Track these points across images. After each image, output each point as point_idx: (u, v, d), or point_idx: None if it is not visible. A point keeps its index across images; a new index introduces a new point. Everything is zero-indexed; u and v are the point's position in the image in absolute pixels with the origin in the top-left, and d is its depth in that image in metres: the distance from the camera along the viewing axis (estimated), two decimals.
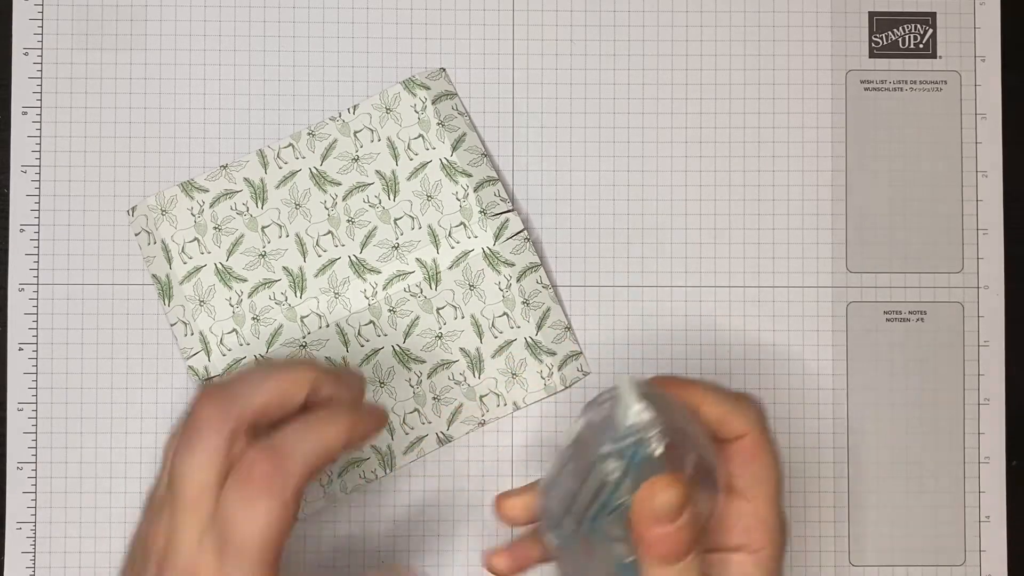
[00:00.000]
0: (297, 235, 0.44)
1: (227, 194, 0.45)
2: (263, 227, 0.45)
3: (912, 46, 0.46)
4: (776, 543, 0.36)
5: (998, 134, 0.46)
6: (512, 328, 0.44)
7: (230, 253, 0.44)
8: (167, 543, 0.33)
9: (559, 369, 0.45)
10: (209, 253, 0.44)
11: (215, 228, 0.44)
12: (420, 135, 0.45)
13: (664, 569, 0.34)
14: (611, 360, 0.45)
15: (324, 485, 0.44)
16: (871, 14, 0.46)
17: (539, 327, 0.45)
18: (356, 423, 0.35)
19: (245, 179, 0.45)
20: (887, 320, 0.46)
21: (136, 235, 0.45)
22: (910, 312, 0.46)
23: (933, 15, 0.46)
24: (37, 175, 0.45)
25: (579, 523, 0.34)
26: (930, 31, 0.46)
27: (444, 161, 0.45)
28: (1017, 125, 0.46)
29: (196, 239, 0.44)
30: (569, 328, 0.45)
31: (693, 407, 0.36)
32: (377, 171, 0.45)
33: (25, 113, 0.45)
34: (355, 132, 0.45)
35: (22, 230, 0.45)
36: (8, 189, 0.45)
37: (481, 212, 0.44)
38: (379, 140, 0.45)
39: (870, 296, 0.46)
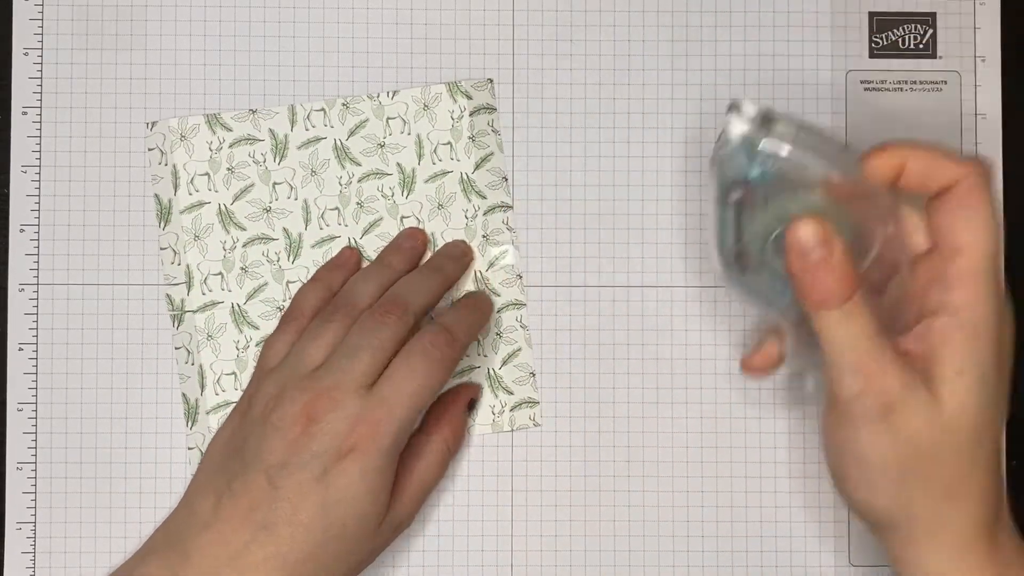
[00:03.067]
0: (305, 201, 0.45)
1: (248, 139, 0.45)
2: (275, 183, 0.45)
3: (912, 46, 0.46)
4: (988, 300, 0.33)
5: (998, 134, 0.46)
6: (479, 356, 0.45)
7: (236, 198, 0.44)
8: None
9: (511, 410, 0.45)
10: (216, 192, 0.44)
11: (228, 169, 0.44)
12: (449, 143, 0.45)
13: (825, 315, 0.34)
14: (611, 360, 0.45)
15: None
16: (871, 14, 0.46)
17: (504, 362, 0.45)
18: (487, 308, 0.44)
19: (270, 130, 0.45)
20: None
21: (149, 150, 0.44)
22: None
23: (933, 15, 0.46)
24: (37, 175, 0.45)
25: (751, 263, 0.36)
26: (930, 31, 0.46)
27: (464, 176, 0.45)
28: (1017, 125, 0.46)
29: (207, 174, 0.44)
30: (534, 375, 0.45)
31: (898, 165, 0.35)
32: (398, 164, 0.45)
33: (25, 113, 0.45)
34: (388, 118, 0.45)
35: (22, 230, 0.45)
36: (8, 189, 0.45)
37: (484, 237, 0.45)
38: (409, 134, 0.45)
39: None
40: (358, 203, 0.45)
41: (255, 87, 0.45)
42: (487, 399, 0.45)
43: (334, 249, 0.44)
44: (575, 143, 0.46)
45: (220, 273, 0.44)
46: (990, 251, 0.34)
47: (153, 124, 0.44)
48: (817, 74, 0.46)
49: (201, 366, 0.44)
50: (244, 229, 0.44)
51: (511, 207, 0.45)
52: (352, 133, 0.45)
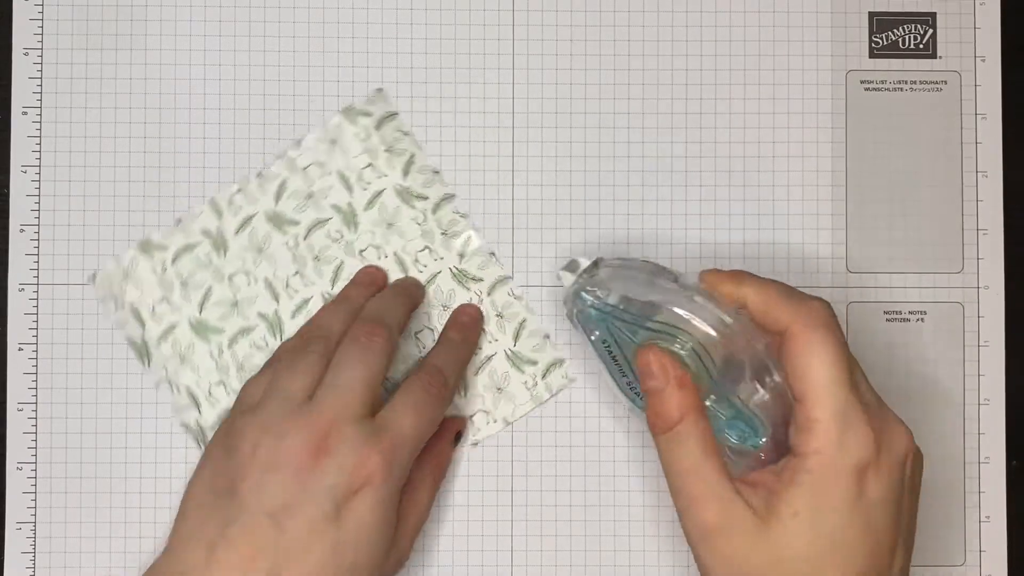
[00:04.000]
0: (266, 279, 0.44)
1: (187, 248, 0.44)
2: (230, 276, 0.44)
3: (912, 46, 0.46)
4: (831, 448, 0.34)
5: (998, 134, 0.46)
6: (490, 343, 0.45)
7: (202, 307, 0.44)
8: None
9: (543, 378, 0.45)
10: (180, 310, 0.44)
11: (182, 284, 0.44)
12: (369, 164, 0.45)
13: (657, 437, 0.36)
14: None
15: None
16: (871, 14, 0.46)
17: (516, 338, 0.45)
18: (472, 338, 0.44)
19: (202, 230, 0.44)
20: (887, 320, 0.46)
21: (100, 302, 0.44)
22: (910, 312, 0.46)
23: (933, 15, 0.46)
24: (37, 175, 0.45)
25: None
26: (930, 31, 0.46)
27: (398, 187, 0.45)
28: (1017, 125, 0.46)
29: (164, 298, 0.44)
30: (547, 336, 0.45)
31: (741, 298, 0.36)
32: (333, 205, 0.45)
33: (25, 113, 0.45)
34: (303, 168, 0.45)
35: (22, 230, 0.45)
36: (8, 189, 0.45)
37: (443, 233, 0.45)
38: (329, 174, 0.45)
39: (870, 296, 0.46)
40: (315, 258, 0.44)
41: (255, 87, 0.45)
42: (516, 379, 0.45)
43: (313, 309, 0.44)
44: (575, 143, 0.46)
45: (221, 381, 0.44)
46: (831, 398, 0.34)
47: (93, 276, 0.44)
48: (817, 74, 0.46)
49: (188, 387, 0.44)
50: (222, 331, 0.44)
51: (454, 195, 0.45)
52: (277, 198, 0.45)
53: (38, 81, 0.45)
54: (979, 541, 0.45)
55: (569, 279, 0.40)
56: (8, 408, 0.44)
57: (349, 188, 0.45)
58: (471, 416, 0.45)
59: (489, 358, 0.44)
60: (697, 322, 0.37)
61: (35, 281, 0.45)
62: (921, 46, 0.46)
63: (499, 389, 0.44)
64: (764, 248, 0.45)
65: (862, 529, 0.34)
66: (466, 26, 0.46)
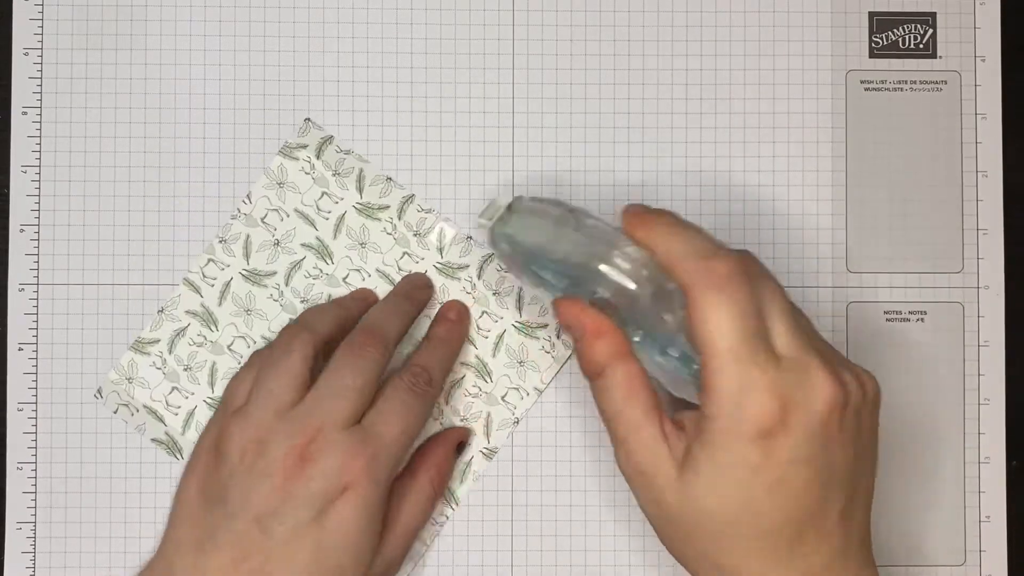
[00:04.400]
0: (263, 336, 0.44)
1: (178, 334, 0.44)
2: (228, 345, 0.44)
3: (912, 46, 0.46)
4: (727, 412, 0.33)
5: (998, 134, 0.46)
6: (496, 321, 0.45)
7: (212, 384, 0.44)
8: (258, 440, 0.37)
9: (559, 337, 0.45)
10: (193, 394, 0.44)
11: (185, 369, 0.44)
12: (323, 192, 0.45)
13: (591, 384, 0.37)
14: None
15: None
16: (871, 14, 0.46)
17: (519, 309, 0.45)
18: (459, 336, 0.44)
19: (187, 312, 0.44)
20: (887, 320, 0.46)
21: (115, 413, 0.44)
22: (910, 312, 0.46)
23: (933, 15, 0.46)
24: (37, 175, 0.45)
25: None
26: (930, 31, 0.46)
27: (357, 206, 0.45)
28: (1017, 125, 0.46)
29: (174, 388, 0.44)
30: (541, 305, 0.45)
31: (650, 248, 0.36)
32: (303, 244, 0.45)
33: (25, 113, 0.45)
34: (261, 219, 0.45)
35: (22, 230, 0.45)
36: (8, 189, 0.45)
37: (415, 235, 0.45)
38: (288, 216, 0.45)
39: (870, 296, 0.46)
40: (302, 301, 0.44)
41: (255, 87, 0.45)
42: (533, 347, 0.44)
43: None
44: (575, 143, 0.46)
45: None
46: (723, 362, 0.33)
47: (99, 391, 0.44)
48: (817, 74, 0.46)
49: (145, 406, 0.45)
50: None
51: (413, 195, 0.45)
52: (247, 256, 0.45)
53: (38, 81, 0.45)
54: (979, 541, 0.45)
55: (485, 226, 0.39)
56: (8, 408, 0.44)
57: (312, 223, 0.45)
58: (503, 397, 0.44)
59: (501, 336, 0.44)
60: (613, 274, 0.36)
61: (35, 281, 0.45)
62: (921, 46, 0.46)
63: (520, 362, 0.45)
64: (764, 248, 0.45)
65: (772, 489, 0.34)
66: (466, 26, 0.46)
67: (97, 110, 0.45)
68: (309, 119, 0.45)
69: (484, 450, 0.45)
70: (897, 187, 0.46)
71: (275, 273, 0.45)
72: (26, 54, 0.45)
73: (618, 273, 0.36)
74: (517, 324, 0.45)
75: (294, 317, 0.44)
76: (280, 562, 0.36)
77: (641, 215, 0.37)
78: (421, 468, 0.42)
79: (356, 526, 0.37)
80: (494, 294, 0.45)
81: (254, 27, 0.45)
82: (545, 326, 0.45)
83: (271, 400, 0.38)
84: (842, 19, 0.46)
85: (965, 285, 0.46)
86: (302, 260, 0.45)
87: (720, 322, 0.33)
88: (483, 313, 0.45)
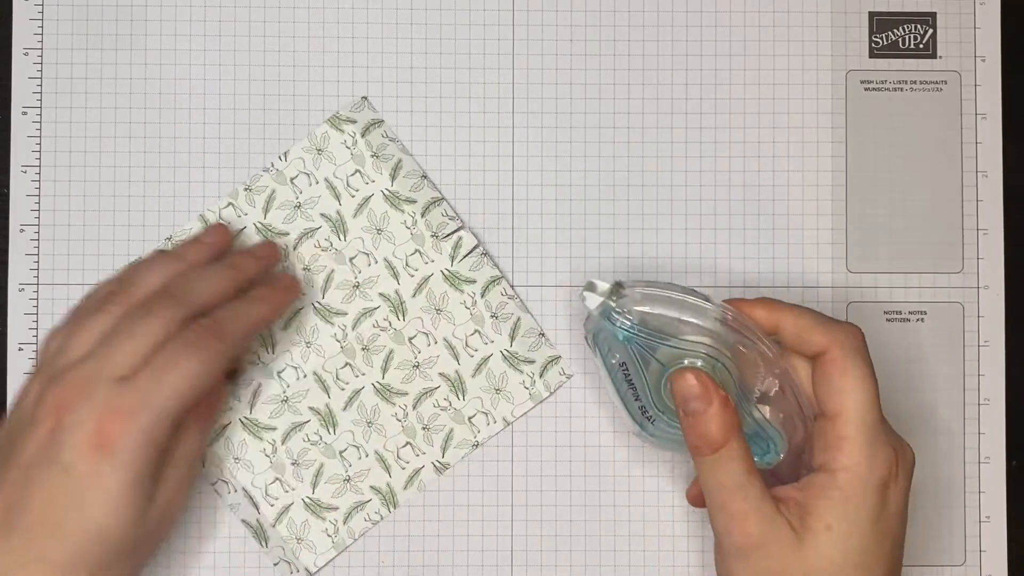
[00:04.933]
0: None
1: (295, 428, 0.45)
2: (339, 452, 0.44)
3: (912, 46, 0.46)
4: (861, 465, 0.36)
5: (998, 134, 0.46)
6: (486, 344, 0.44)
7: (314, 486, 0.44)
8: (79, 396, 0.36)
9: (540, 376, 0.45)
10: (294, 490, 0.44)
11: (293, 464, 0.44)
12: (357, 170, 0.44)
13: (700, 460, 0.37)
14: None
15: (331, 535, 0.44)
16: (871, 14, 0.46)
17: (512, 338, 0.45)
18: (276, 300, 0.42)
19: (309, 408, 0.44)
20: (887, 320, 0.46)
21: (213, 485, 0.44)
22: (910, 312, 0.46)
23: (933, 15, 0.46)
24: (37, 175, 0.45)
25: (654, 414, 0.39)
26: (930, 31, 0.46)
27: (386, 192, 0.44)
28: (1017, 125, 0.46)
29: (278, 479, 0.44)
30: (543, 335, 0.45)
31: (774, 322, 0.38)
32: (322, 214, 0.44)
33: (25, 113, 0.45)
34: (291, 179, 0.45)
35: (22, 230, 0.45)
36: (8, 189, 0.45)
37: (433, 236, 0.44)
38: (317, 183, 0.45)
39: (870, 296, 0.46)
40: (304, 268, 0.44)
41: (255, 87, 0.45)
42: (514, 378, 0.44)
43: (304, 321, 0.44)
44: (575, 143, 0.46)
45: (277, 479, 0.44)
46: (863, 418, 0.36)
47: (203, 461, 0.44)
48: (817, 74, 0.46)
49: (244, 489, 0.44)
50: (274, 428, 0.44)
51: (442, 199, 0.45)
52: (266, 210, 0.45)
53: (38, 81, 0.45)
54: (979, 541, 0.45)
55: (595, 301, 0.38)
56: (8, 408, 0.44)
57: (337, 196, 0.44)
58: (470, 418, 0.44)
59: (486, 359, 0.44)
60: (725, 340, 0.37)
61: (35, 281, 0.45)
62: (921, 46, 0.46)
63: (497, 390, 0.44)
64: (764, 248, 0.45)
65: (884, 539, 0.36)
66: (466, 26, 0.46)
67: (97, 110, 0.45)
68: (366, 98, 0.45)
69: (436, 463, 0.44)
70: (897, 187, 0.46)
71: (287, 234, 0.44)
72: (26, 54, 0.45)
73: (734, 344, 0.37)
74: (506, 352, 0.44)
75: (301, 297, 0.44)
76: (37, 516, 0.35)
77: (755, 300, 0.39)
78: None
79: (113, 485, 0.36)
80: (492, 316, 0.44)
81: (254, 27, 0.45)
82: (532, 362, 0.45)
83: (65, 354, 0.38)
84: (842, 19, 0.46)
85: (965, 285, 0.46)
86: (317, 229, 0.45)
87: (860, 380, 0.37)
88: (476, 331, 0.44)
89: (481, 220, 0.45)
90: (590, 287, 0.38)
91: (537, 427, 0.45)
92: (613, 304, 0.38)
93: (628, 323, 0.38)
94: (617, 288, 0.38)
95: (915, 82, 0.46)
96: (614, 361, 0.38)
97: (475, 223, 0.45)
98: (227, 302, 0.40)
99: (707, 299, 0.38)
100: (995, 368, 0.46)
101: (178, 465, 0.39)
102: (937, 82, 0.46)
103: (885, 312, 0.46)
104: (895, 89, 0.46)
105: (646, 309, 0.38)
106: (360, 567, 0.44)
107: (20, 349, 0.45)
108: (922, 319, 0.46)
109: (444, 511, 0.45)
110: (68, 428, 0.36)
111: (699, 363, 0.37)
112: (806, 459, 0.38)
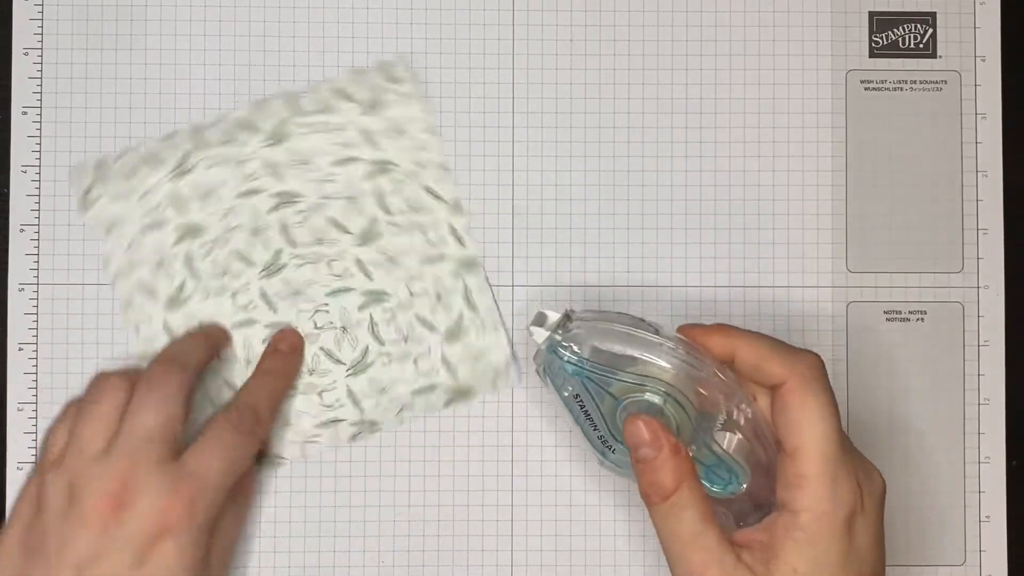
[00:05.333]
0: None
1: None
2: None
3: (912, 46, 0.46)
4: (823, 503, 0.34)
5: (998, 134, 0.46)
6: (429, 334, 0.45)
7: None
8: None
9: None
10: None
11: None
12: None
13: (652, 508, 0.36)
14: None
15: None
16: (871, 14, 0.46)
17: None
18: (291, 369, 0.44)
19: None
20: (887, 320, 0.46)
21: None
22: (910, 312, 0.46)
23: (933, 15, 0.46)
24: (37, 175, 0.45)
25: (614, 443, 0.38)
26: (930, 31, 0.46)
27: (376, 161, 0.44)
28: (1017, 125, 0.46)
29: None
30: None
31: (730, 350, 0.36)
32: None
33: (25, 113, 0.45)
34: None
35: (22, 230, 0.45)
36: (8, 189, 0.45)
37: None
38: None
39: (870, 296, 0.46)
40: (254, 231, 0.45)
41: (255, 87, 0.45)
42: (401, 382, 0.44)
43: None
44: (575, 143, 0.46)
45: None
46: (824, 453, 0.35)
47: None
48: (817, 74, 0.46)
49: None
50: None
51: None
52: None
53: (38, 81, 0.45)
54: (979, 541, 0.45)
55: (542, 335, 0.38)
56: (8, 408, 0.44)
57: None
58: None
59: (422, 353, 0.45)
60: (678, 373, 0.36)
61: (35, 281, 0.45)
62: (921, 46, 0.46)
63: (382, 390, 0.44)
64: (764, 248, 0.45)
65: (854, 574, 0.35)
66: (466, 26, 0.46)
67: (97, 110, 0.45)
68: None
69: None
70: (897, 187, 0.46)
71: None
72: (26, 54, 0.45)
73: (687, 376, 0.36)
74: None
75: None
76: None
77: (707, 325, 0.37)
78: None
79: (179, 568, 0.36)
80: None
81: (254, 27, 0.45)
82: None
83: (82, 449, 0.37)
84: (842, 19, 0.46)
85: (965, 285, 0.46)
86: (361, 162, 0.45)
87: (819, 413, 0.35)
88: (301, 358, 0.44)
89: (481, 220, 0.45)
90: (539, 320, 0.38)
91: (537, 427, 0.45)
92: (559, 338, 0.37)
93: (576, 357, 0.37)
94: (565, 321, 0.37)
95: (915, 82, 0.46)
96: (567, 394, 0.38)
97: (475, 223, 0.45)
98: (250, 381, 0.42)
99: (658, 330, 0.37)
100: (995, 368, 0.46)
101: (221, 539, 0.39)
102: (937, 82, 0.46)
103: (885, 312, 0.46)
104: (895, 89, 0.46)
105: (594, 343, 0.37)
106: (360, 567, 0.44)
107: (20, 349, 0.45)
108: (922, 319, 0.46)
109: (444, 511, 0.45)
110: (129, 521, 0.36)
111: (655, 398, 0.36)
112: (767, 498, 0.37)
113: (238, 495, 0.41)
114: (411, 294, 0.44)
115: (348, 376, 0.44)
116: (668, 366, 0.36)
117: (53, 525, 0.36)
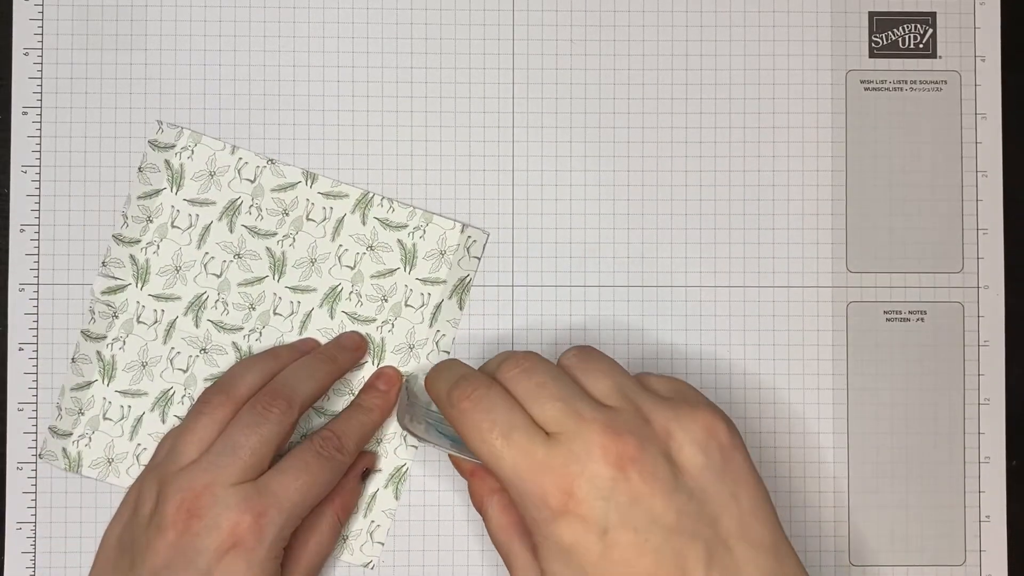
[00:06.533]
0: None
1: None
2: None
3: (912, 46, 0.46)
4: (523, 510, 0.35)
5: (998, 134, 0.46)
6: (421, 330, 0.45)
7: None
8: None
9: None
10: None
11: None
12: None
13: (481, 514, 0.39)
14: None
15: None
16: (871, 14, 0.46)
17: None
18: (386, 405, 0.44)
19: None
20: (887, 320, 0.46)
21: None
22: (910, 312, 0.46)
23: (933, 15, 0.46)
24: (37, 175, 0.45)
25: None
26: (930, 31, 0.46)
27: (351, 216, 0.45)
28: (1017, 125, 0.46)
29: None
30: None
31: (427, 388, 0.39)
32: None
33: (25, 113, 0.45)
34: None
35: (22, 230, 0.45)
36: (8, 189, 0.45)
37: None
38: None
39: (870, 296, 0.46)
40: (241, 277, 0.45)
41: (255, 87, 0.45)
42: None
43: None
44: (575, 143, 0.46)
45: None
46: (494, 469, 0.35)
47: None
48: (817, 74, 0.46)
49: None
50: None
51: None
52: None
53: (38, 81, 0.45)
54: (979, 541, 0.45)
55: (413, 384, 0.42)
56: (8, 408, 0.44)
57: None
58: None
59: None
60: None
61: (35, 281, 0.45)
62: (921, 46, 0.46)
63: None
64: (764, 248, 0.45)
65: (609, 567, 0.33)
66: (466, 26, 0.46)
67: (97, 110, 0.45)
68: (161, 121, 0.45)
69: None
70: (897, 187, 0.46)
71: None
72: (26, 54, 0.45)
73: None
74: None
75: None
76: None
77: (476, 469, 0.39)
78: (327, 499, 0.42)
79: None
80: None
81: (254, 27, 0.45)
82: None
83: (177, 457, 0.39)
84: (842, 19, 0.46)
85: (965, 285, 0.46)
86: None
87: (472, 436, 0.35)
88: (396, 395, 0.45)
89: (481, 220, 0.45)
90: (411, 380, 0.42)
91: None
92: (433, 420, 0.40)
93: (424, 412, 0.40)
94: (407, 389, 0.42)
95: (915, 82, 0.46)
96: (420, 431, 0.40)
97: (475, 223, 0.45)
98: (342, 415, 0.43)
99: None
100: (995, 368, 0.46)
101: (310, 552, 0.41)
102: (937, 82, 0.46)
103: (885, 312, 0.46)
104: (895, 89, 0.46)
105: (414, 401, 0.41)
106: (360, 567, 0.44)
107: (20, 349, 0.45)
108: (922, 319, 0.46)
109: (444, 511, 0.45)
110: (201, 533, 0.37)
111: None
112: None
113: (336, 508, 0.42)
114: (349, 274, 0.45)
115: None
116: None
117: (141, 528, 0.39)
